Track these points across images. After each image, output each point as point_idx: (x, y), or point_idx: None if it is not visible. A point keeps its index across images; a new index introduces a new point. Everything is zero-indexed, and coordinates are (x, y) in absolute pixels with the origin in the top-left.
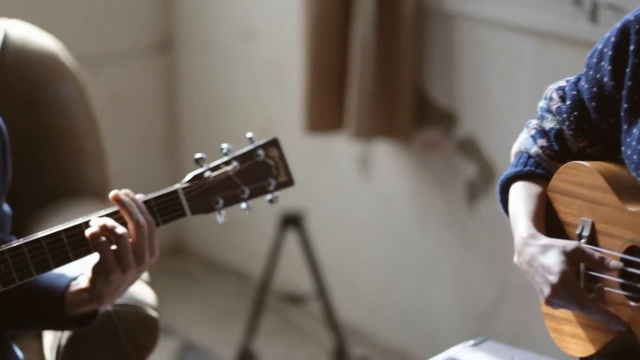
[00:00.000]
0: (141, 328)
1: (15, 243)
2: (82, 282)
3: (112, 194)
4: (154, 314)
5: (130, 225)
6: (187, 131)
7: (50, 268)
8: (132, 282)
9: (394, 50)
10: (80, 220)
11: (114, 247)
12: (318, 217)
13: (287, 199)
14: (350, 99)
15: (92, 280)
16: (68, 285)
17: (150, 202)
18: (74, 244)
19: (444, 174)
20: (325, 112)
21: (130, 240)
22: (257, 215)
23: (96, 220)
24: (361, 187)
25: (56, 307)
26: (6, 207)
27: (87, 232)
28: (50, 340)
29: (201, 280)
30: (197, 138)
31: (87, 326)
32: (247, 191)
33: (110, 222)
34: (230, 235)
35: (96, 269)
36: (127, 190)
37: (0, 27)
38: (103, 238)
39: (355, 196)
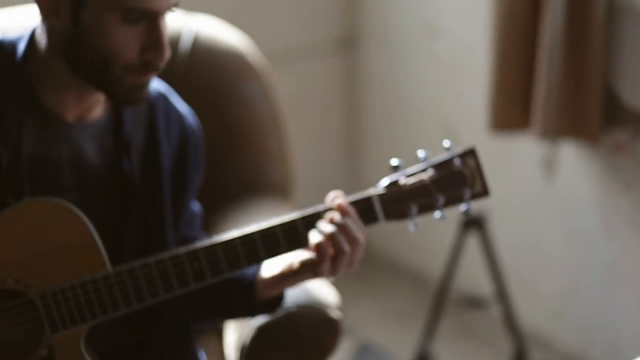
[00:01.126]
0: (323, 329)
1: (209, 242)
2: (274, 270)
3: (335, 215)
4: (336, 315)
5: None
6: (368, 129)
7: (241, 267)
8: None
9: (584, 48)
10: (275, 221)
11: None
12: (500, 219)
13: None
14: (537, 96)
15: (297, 271)
16: (257, 273)
17: None
18: (266, 245)
19: (633, 178)
20: (511, 110)
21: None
22: None
23: (323, 229)
24: (545, 189)
25: (246, 294)
26: (197, 206)
27: (313, 240)
28: (234, 338)
29: (379, 280)
30: (378, 137)
31: (273, 310)
32: (441, 200)
33: (339, 235)
34: (409, 235)
35: (308, 266)
36: (341, 199)
37: (191, 25)
38: (330, 250)
39: (539, 198)
